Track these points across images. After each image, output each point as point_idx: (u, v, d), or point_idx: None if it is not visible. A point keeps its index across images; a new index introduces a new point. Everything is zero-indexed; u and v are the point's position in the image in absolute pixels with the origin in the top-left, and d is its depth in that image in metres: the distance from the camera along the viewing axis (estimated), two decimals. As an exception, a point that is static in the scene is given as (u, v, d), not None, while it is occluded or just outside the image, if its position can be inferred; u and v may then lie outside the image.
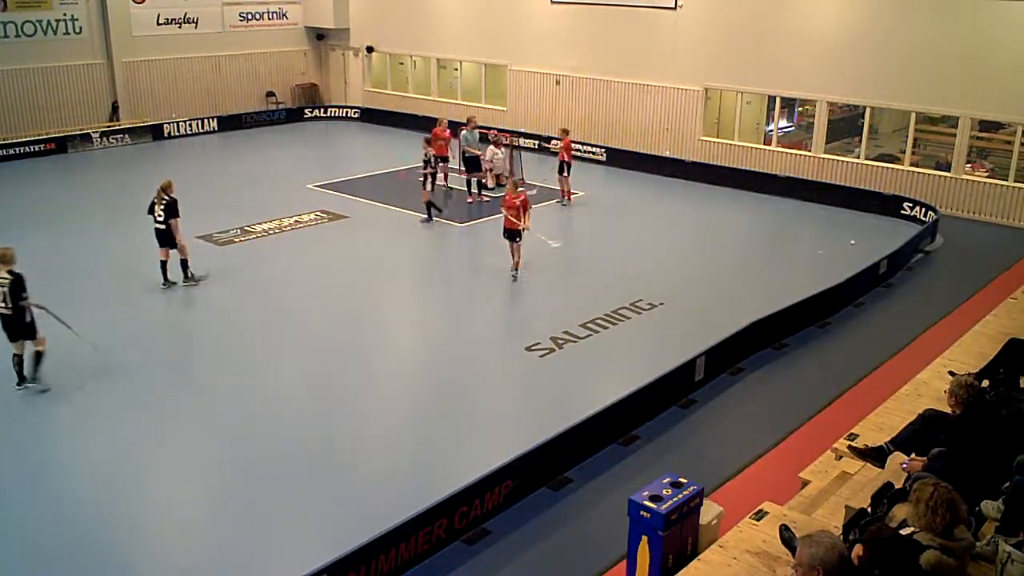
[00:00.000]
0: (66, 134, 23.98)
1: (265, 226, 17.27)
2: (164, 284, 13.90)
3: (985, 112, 18.35)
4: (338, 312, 13.44)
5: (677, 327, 12.75)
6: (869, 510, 5.58)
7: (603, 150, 23.08)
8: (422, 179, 17.69)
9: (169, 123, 25.89)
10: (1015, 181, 18.08)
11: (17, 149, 22.91)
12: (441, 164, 19.19)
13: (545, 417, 9.80)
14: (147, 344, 12.08)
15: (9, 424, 10.05)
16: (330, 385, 11.12)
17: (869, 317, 13.39)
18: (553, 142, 21.55)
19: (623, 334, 12.52)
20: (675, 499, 6.37)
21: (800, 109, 23.01)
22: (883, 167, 19.69)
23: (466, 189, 19.40)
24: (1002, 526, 5.47)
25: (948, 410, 6.47)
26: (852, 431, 7.64)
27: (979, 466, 5.89)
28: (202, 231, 16.35)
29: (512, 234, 14.29)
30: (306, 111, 29.14)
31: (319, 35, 30.32)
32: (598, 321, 12.82)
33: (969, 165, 19.01)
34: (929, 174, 19.08)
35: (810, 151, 20.79)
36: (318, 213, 18.20)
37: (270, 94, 29.40)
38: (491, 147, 19.95)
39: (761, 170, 20.78)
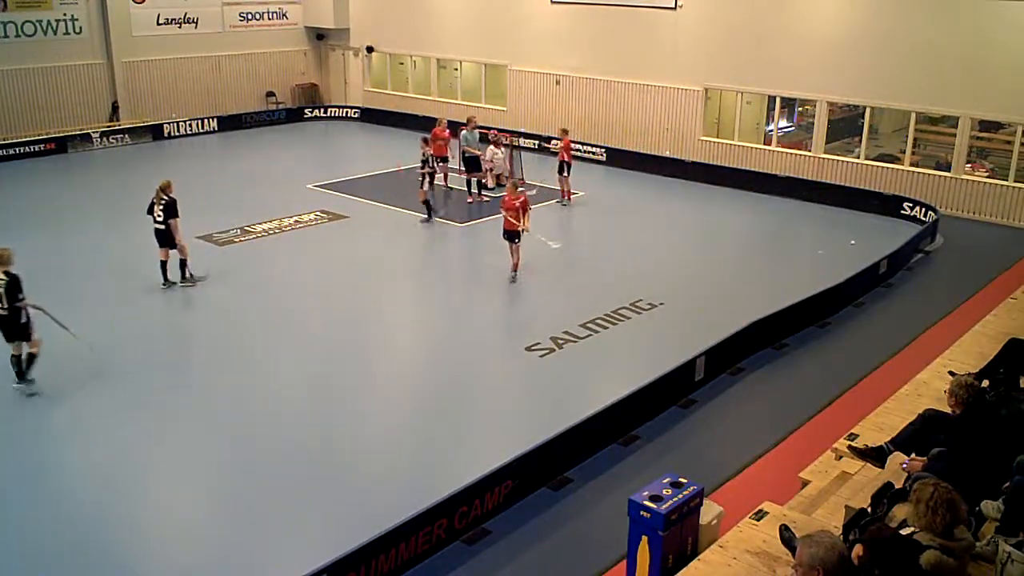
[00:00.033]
0: (66, 134, 23.99)
1: (265, 226, 17.27)
2: (164, 284, 13.90)
3: (985, 112, 18.35)
4: (338, 312, 13.44)
5: (677, 327, 12.75)
6: (869, 510, 5.58)
7: (603, 150, 23.08)
8: (420, 178, 17.68)
9: (169, 123, 25.89)
10: (1015, 181, 18.08)
11: (17, 149, 22.92)
12: (441, 164, 19.22)
13: (545, 417, 9.80)
14: (147, 344, 12.08)
15: (9, 424, 10.05)
16: (330, 385, 11.12)
17: (869, 317, 13.39)
18: (553, 142, 21.55)
19: (623, 334, 12.52)
20: (675, 499, 6.37)
21: (800, 109, 23.01)
22: (883, 167, 19.69)
23: (466, 189, 19.41)
24: (1002, 526, 5.47)
25: (948, 410, 6.47)
26: (852, 431, 7.64)
27: (979, 466, 5.89)
28: (202, 231, 16.36)
29: (511, 235, 14.29)
30: (306, 111, 29.14)
31: (319, 35, 30.32)
32: (598, 321, 12.82)
33: (969, 165, 19.01)
34: (929, 174, 19.08)
35: (810, 151, 20.79)
36: (318, 213, 18.20)
37: (270, 94, 29.40)
38: (491, 147, 19.95)
39: (761, 170, 20.78)
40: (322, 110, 29.42)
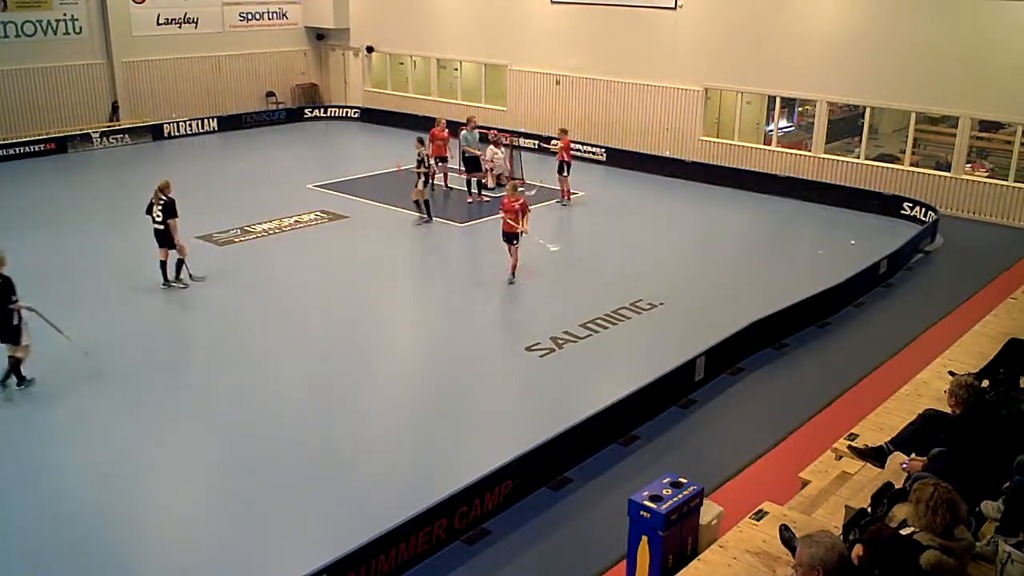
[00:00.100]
0: (66, 134, 23.98)
1: (265, 226, 17.27)
2: (164, 284, 13.90)
3: (985, 112, 18.35)
4: (338, 312, 13.44)
5: (677, 327, 12.75)
6: (869, 510, 5.58)
7: (603, 150, 23.08)
8: (417, 178, 17.60)
9: (169, 123, 25.89)
10: (1015, 181, 18.08)
11: (17, 149, 22.91)
12: (440, 164, 19.22)
13: (545, 417, 9.80)
14: (147, 344, 12.08)
15: (9, 424, 10.05)
16: (330, 385, 11.12)
17: (869, 317, 13.39)
18: (553, 142, 21.55)
19: (623, 334, 12.52)
20: (675, 499, 6.37)
21: (800, 109, 23.01)
22: (883, 167, 19.69)
23: (466, 189, 19.40)
24: (1002, 526, 5.47)
25: (948, 410, 6.47)
26: (852, 431, 7.64)
27: (979, 466, 5.89)
28: (202, 231, 16.36)
29: (510, 237, 14.28)
30: (306, 111, 29.13)
31: (319, 35, 30.32)
32: (598, 321, 12.82)
33: (969, 165, 19.01)
34: (929, 174, 19.08)
35: (810, 151, 20.79)
36: (318, 213, 18.20)
37: (270, 94, 29.40)
38: (491, 147, 19.95)
39: (761, 170, 20.78)
40: (322, 110, 29.41)
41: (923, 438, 6.64)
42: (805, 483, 7.54)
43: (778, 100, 21.29)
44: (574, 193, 19.41)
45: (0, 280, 10.25)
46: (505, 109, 25.94)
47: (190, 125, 26.27)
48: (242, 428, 9.97)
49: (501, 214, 14.38)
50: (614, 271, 15.19)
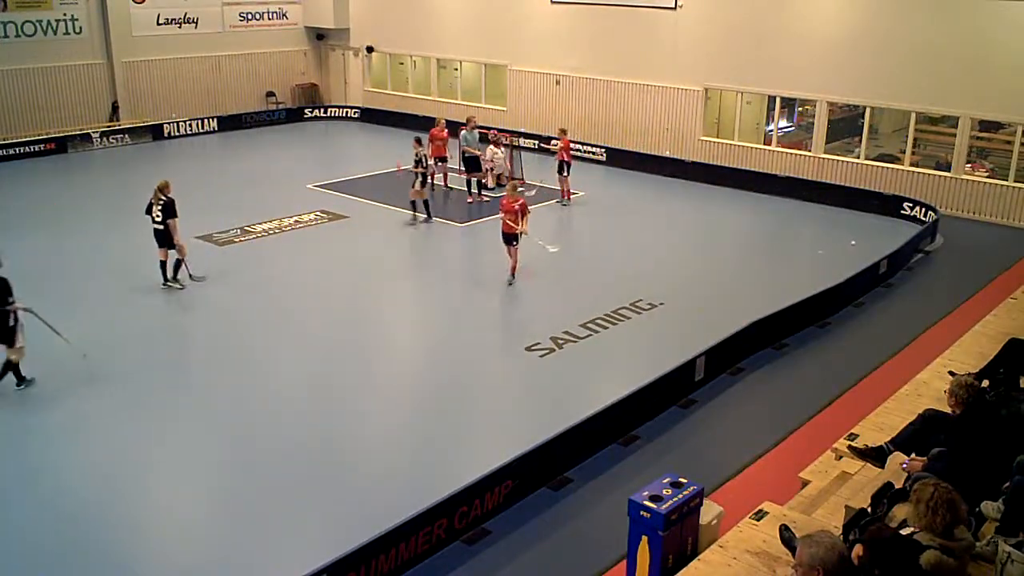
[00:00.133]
0: (66, 134, 23.98)
1: (265, 226, 17.27)
2: (164, 284, 13.90)
3: (985, 112, 18.35)
4: (338, 312, 13.44)
5: (677, 327, 12.75)
6: (869, 510, 5.58)
7: (603, 150, 23.08)
8: (414, 178, 17.60)
9: (169, 123, 25.89)
10: (1015, 181, 18.08)
11: (17, 149, 22.91)
12: (440, 164, 19.21)
13: (545, 417, 9.80)
14: (147, 344, 12.08)
15: (9, 424, 10.05)
16: (330, 385, 11.12)
17: (869, 317, 13.39)
18: (553, 142, 21.54)
19: (623, 334, 12.52)
20: (675, 499, 6.37)
21: (800, 109, 23.01)
22: (883, 167, 19.69)
23: (466, 189, 19.40)
24: (1002, 526, 5.47)
25: (948, 410, 6.47)
26: (852, 431, 7.64)
27: (979, 466, 5.89)
28: (202, 231, 16.36)
29: (509, 238, 14.27)
30: (306, 111, 29.14)
31: (319, 35, 30.32)
32: (598, 321, 12.82)
33: (969, 165, 19.01)
34: (929, 174, 19.08)
35: (810, 151, 20.79)
36: (318, 213, 18.20)
37: (270, 94, 29.40)
38: (491, 147, 19.95)
39: (761, 170, 20.78)
40: (322, 110, 29.41)
41: (923, 438, 6.64)
42: (805, 483, 7.54)
43: (778, 100, 21.29)
44: (574, 193, 19.41)
45: None
46: (505, 109, 25.94)
47: (190, 125, 26.27)
48: (242, 428, 9.97)
49: (501, 215, 14.39)
50: (614, 271, 15.19)
